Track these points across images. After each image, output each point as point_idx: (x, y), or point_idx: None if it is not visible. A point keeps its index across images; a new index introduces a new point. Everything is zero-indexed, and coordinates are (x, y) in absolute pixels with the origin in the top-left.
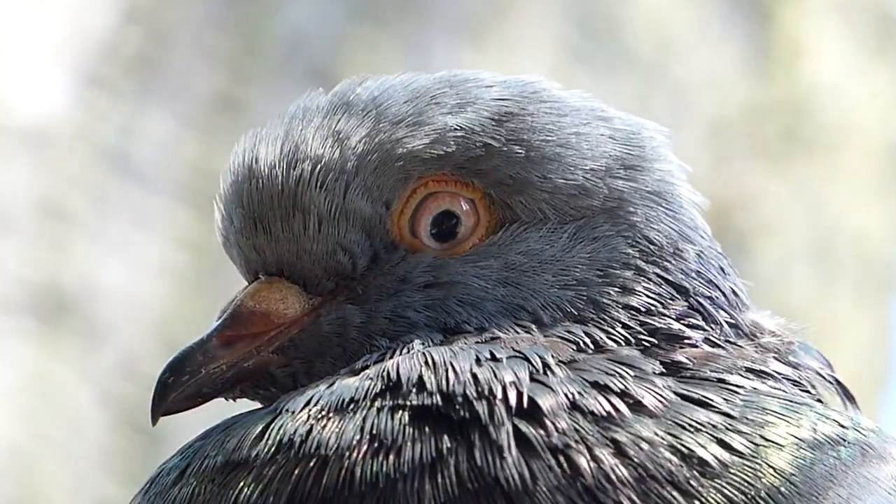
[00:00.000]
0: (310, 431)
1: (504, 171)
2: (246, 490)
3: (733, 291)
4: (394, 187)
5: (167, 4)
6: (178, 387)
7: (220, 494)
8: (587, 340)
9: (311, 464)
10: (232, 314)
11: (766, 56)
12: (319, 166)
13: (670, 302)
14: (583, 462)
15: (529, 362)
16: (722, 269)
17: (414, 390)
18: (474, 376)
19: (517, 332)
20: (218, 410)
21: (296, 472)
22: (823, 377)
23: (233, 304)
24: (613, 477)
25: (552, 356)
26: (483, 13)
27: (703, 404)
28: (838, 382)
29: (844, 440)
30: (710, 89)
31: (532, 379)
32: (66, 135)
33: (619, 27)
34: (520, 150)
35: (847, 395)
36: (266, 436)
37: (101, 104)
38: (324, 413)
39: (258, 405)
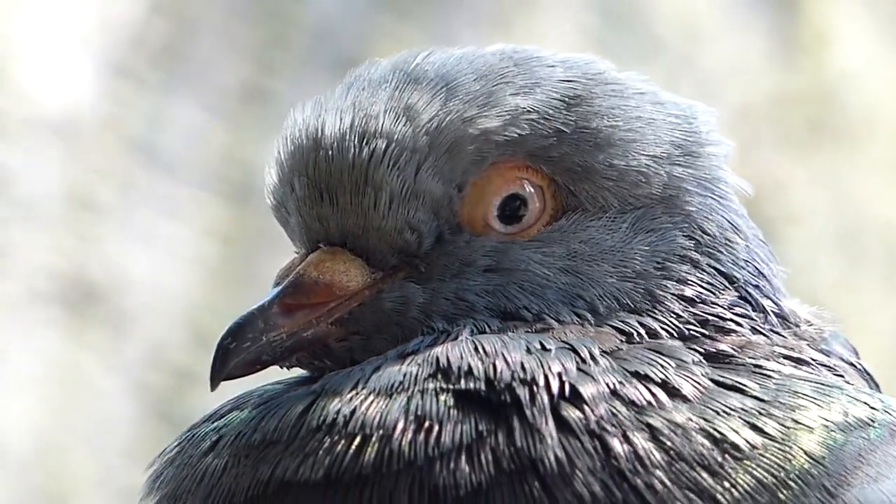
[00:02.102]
0: (354, 411)
1: (572, 158)
2: (283, 464)
3: (776, 279)
4: (466, 169)
5: None
6: (239, 353)
7: (255, 468)
8: (640, 331)
9: (352, 441)
10: (294, 282)
11: (793, 45)
12: (393, 144)
13: (722, 292)
14: (616, 445)
15: (576, 353)
16: (767, 257)
17: (460, 376)
18: (521, 365)
19: (572, 322)
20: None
21: (336, 448)
22: (853, 365)
23: (294, 271)
24: (646, 460)
25: (598, 347)
26: (509, 3)
27: (737, 389)
28: (865, 370)
29: (873, 421)
30: (736, 78)
31: (577, 369)
32: (94, 125)
33: (645, 16)
34: (588, 137)
35: (874, 384)
36: (308, 415)
37: (128, 94)
38: (369, 394)
39: (290, 375)
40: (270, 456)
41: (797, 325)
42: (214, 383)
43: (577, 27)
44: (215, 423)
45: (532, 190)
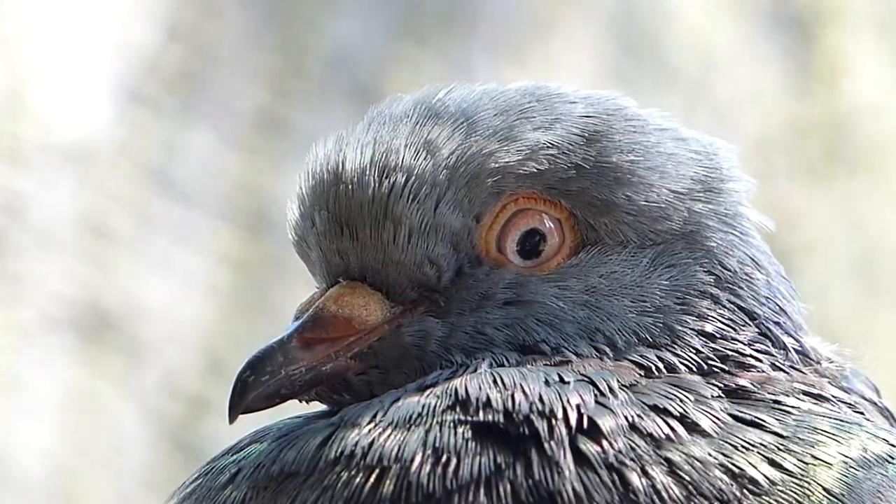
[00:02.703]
0: (372, 444)
1: (592, 193)
2: (301, 496)
3: (798, 316)
4: (485, 202)
5: (210, 22)
6: (258, 386)
7: (274, 500)
8: (659, 365)
9: (371, 473)
10: (313, 316)
11: (809, 74)
12: (412, 178)
13: (742, 328)
14: (635, 479)
15: (595, 386)
16: (788, 294)
17: (479, 407)
18: (539, 397)
19: (591, 356)
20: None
21: (354, 481)
22: (874, 403)
23: (314, 306)
24: (665, 494)
25: (617, 381)
26: (525, 31)
27: (756, 425)
28: (886, 409)
29: (892, 458)
30: (752, 108)
31: (596, 402)
32: (109, 152)
33: (661, 45)
34: (608, 172)
35: (894, 421)
36: (327, 446)
37: (143, 121)
38: (387, 427)
39: (309, 409)
40: (289, 488)
41: (818, 363)
42: (233, 416)
43: (593, 56)
44: (234, 456)
45: (551, 224)
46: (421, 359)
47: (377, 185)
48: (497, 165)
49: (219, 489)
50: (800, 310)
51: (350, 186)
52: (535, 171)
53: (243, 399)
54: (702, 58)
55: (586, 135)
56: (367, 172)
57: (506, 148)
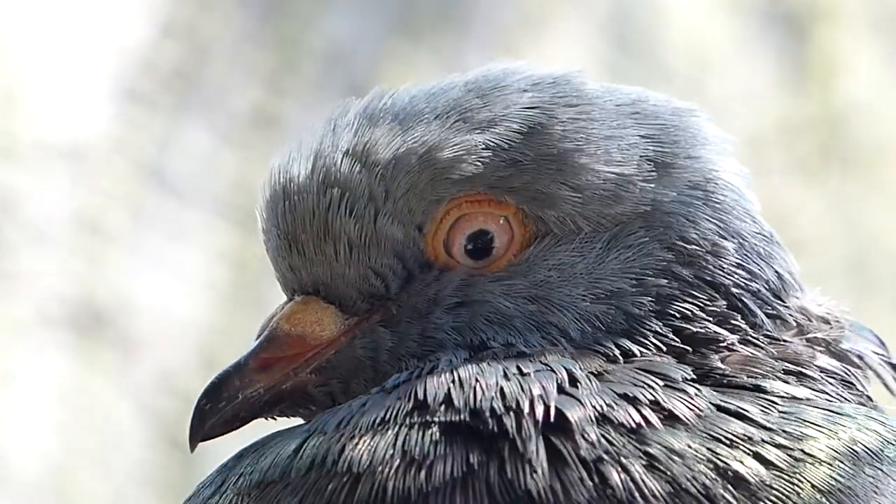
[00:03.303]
0: (342, 450)
1: (535, 186)
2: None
3: (779, 278)
4: (426, 210)
5: (205, 19)
6: (215, 413)
7: None
8: (616, 351)
9: (344, 480)
10: (268, 337)
11: (802, 72)
12: (347, 193)
13: (708, 303)
14: (614, 475)
15: (556, 374)
16: (768, 255)
17: (442, 407)
18: (501, 390)
19: (544, 346)
20: (258, 426)
21: (329, 487)
22: (879, 359)
23: (269, 325)
24: (646, 490)
25: (580, 367)
26: (519, 28)
27: (739, 416)
28: (892, 365)
29: (884, 451)
30: (745, 106)
31: (560, 391)
32: (104, 149)
33: (655, 44)
34: (549, 164)
35: None
36: (300, 454)
37: (138, 119)
38: (356, 432)
39: (297, 422)
40: (270, 496)
41: (806, 328)
42: (193, 444)
43: (587, 53)
44: (218, 472)
45: (499, 223)
46: (375, 368)
47: (316, 200)
48: (433, 172)
49: (205, 500)
50: (786, 268)
51: (294, 202)
52: (473, 173)
53: (201, 428)
54: (696, 56)
55: (526, 128)
56: (308, 188)
57: (442, 153)
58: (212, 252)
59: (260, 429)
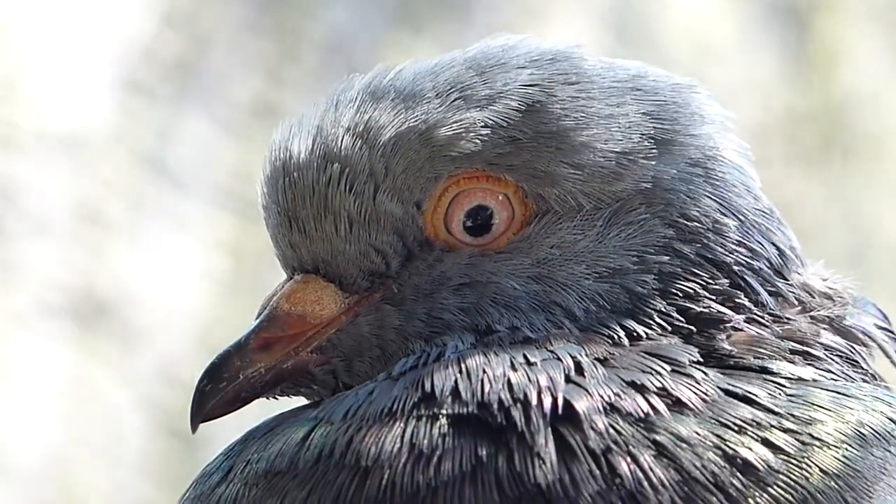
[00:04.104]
0: (350, 442)
1: (534, 164)
2: (289, 496)
3: (781, 255)
4: (424, 187)
5: (205, 9)
6: (216, 393)
7: (264, 500)
8: (621, 333)
9: (353, 474)
10: (268, 316)
11: (804, 63)
12: (348, 168)
13: (711, 282)
14: (623, 466)
15: (563, 362)
16: (768, 230)
17: (450, 399)
18: (508, 381)
19: (549, 331)
20: (260, 410)
21: (337, 480)
22: (882, 334)
23: (269, 304)
24: (655, 480)
25: (585, 354)
26: (520, 18)
27: (747, 400)
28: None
29: (893, 432)
30: (747, 96)
31: (567, 380)
32: (104, 139)
33: (657, 34)
34: (549, 141)
35: None
36: (307, 444)
37: (139, 109)
38: (363, 423)
39: (301, 401)
40: (278, 487)
41: (809, 305)
42: (194, 426)
43: (588, 44)
44: (227, 456)
45: (499, 200)
46: (381, 347)
47: (316, 176)
48: (432, 149)
49: (213, 488)
50: (787, 244)
51: (294, 178)
52: (472, 150)
53: (202, 408)
54: (697, 46)
55: (525, 106)
56: (309, 164)
57: (440, 131)
58: (212, 242)
59: (263, 411)
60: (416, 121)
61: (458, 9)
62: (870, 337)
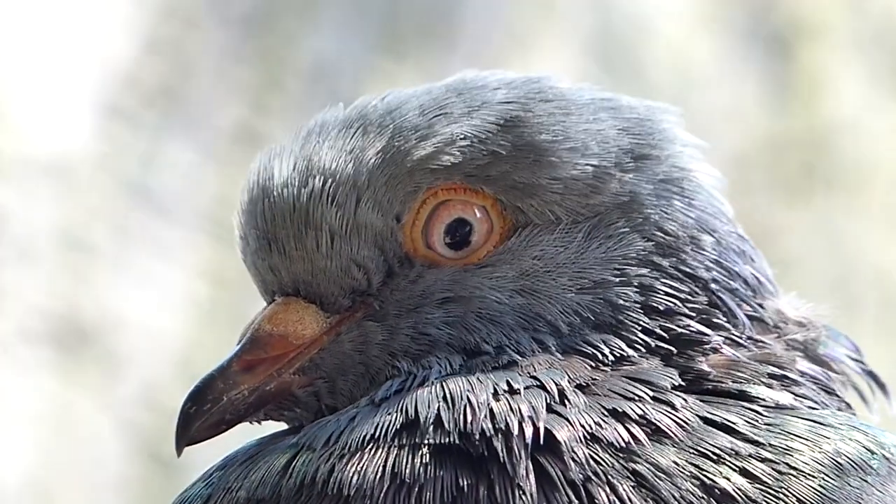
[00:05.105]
0: (332, 470)
1: (512, 177)
2: None
3: (756, 278)
4: (404, 199)
5: (188, 36)
6: (200, 416)
7: None
8: (605, 351)
9: (334, 503)
10: (250, 338)
11: (786, 91)
12: (331, 181)
13: (690, 298)
14: (602, 496)
15: (546, 390)
16: (743, 254)
17: (432, 428)
18: (491, 411)
19: (535, 352)
20: (243, 437)
21: None
22: (854, 366)
23: (251, 327)
24: None
25: (568, 380)
26: (504, 46)
27: (726, 429)
28: (868, 372)
29: (868, 461)
30: (729, 124)
31: (549, 409)
32: (87, 166)
33: (639, 61)
34: (527, 154)
35: (878, 384)
36: (288, 472)
37: (122, 135)
38: (345, 451)
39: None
40: None
41: (784, 330)
42: (179, 449)
43: (571, 72)
44: (207, 482)
45: (478, 213)
46: (365, 364)
47: (297, 192)
48: (412, 163)
49: None
50: (760, 269)
51: (274, 199)
52: (451, 163)
53: (187, 431)
54: (680, 74)
55: (502, 121)
56: (290, 182)
57: (421, 145)
58: (194, 268)
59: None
60: (398, 137)
61: (443, 38)
62: (842, 367)
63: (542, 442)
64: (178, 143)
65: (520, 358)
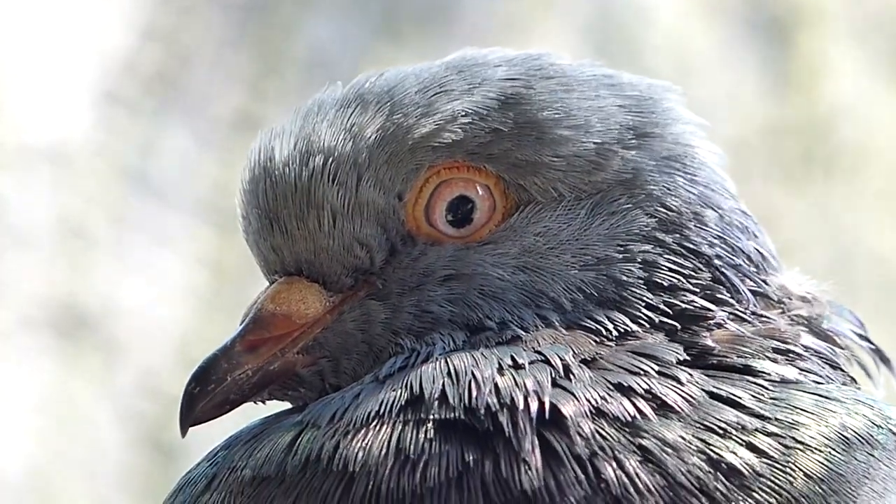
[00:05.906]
0: (336, 447)
1: (515, 154)
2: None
3: (759, 253)
4: (406, 178)
5: (187, 23)
6: (204, 396)
7: None
8: (609, 327)
9: (339, 480)
10: (253, 318)
11: (786, 78)
12: (332, 159)
13: (693, 274)
14: (609, 471)
15: (550, 365)
16: (746, 230)
17: (437, 403)
18: (496, 386)
19: (538, 327)
20: (242, 420)
21: (323, 487)
22: (858, 341)
23: (254, 307)
24: (640, 485)
25: (573, 355)
26: (502, 33)
27: (732, 403)
28: (873, 347)
29: (874, 436)
30: (729, 111)
31: (554, 384)
32: (86, 153)
33: (637, 48)
34: (529, 132)
35: (882, 359)
36: (293, 450)
37: (120, 123)
38: (350, 427)
39: (283, 406)
40: (263, 495)
41: (788, 306)
42: (183, 430)
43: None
44: (208, 463)
45: (479, 190)
46: (369, 342)
47: (298, 172)
48: (413, 141)
49: (196, 496)
50: (764, 245)
51: (275, 179)
52: (452, 140)
53: (191, 412)
54: (678, 61)
55: (503, 98)
56: (291, 162)
57: (422, 122)
58: (193, 255)
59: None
60: (398, 114)
61: (440, 24)
62: (846, 341)
63: (547, 417)
64: (176, 131)
65: (524, 333)
